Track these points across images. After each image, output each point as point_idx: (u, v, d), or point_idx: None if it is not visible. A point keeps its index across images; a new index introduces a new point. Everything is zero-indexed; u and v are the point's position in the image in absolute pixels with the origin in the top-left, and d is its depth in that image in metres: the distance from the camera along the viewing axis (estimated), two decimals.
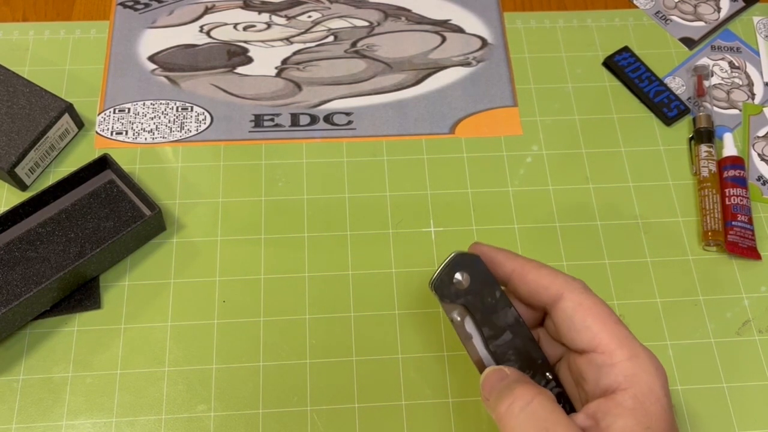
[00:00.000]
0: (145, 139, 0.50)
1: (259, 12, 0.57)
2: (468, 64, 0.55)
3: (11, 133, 0.47)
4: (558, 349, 0.35)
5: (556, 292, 0.32)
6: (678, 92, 0.54)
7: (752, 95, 0.55)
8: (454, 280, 0.34)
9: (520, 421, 0.29)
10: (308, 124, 0.52)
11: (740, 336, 0.45)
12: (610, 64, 0.55)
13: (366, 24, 0.57)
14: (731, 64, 0.56)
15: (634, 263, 0.48)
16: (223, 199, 0.49)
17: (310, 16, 0.57)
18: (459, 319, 0.34)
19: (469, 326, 0.34)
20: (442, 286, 0.34)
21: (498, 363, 0.34)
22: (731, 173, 0.50)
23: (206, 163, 0.50)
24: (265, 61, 0.54)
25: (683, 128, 0.53)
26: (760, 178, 0.51)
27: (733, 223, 0.48)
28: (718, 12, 0.59)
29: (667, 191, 0.50)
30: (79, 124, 0.50)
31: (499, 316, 0.34)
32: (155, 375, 0.43)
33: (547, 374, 0.34)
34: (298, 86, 0.53)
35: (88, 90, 0.52)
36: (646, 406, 0.29)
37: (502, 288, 0.34)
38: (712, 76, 0.56)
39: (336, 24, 0.56)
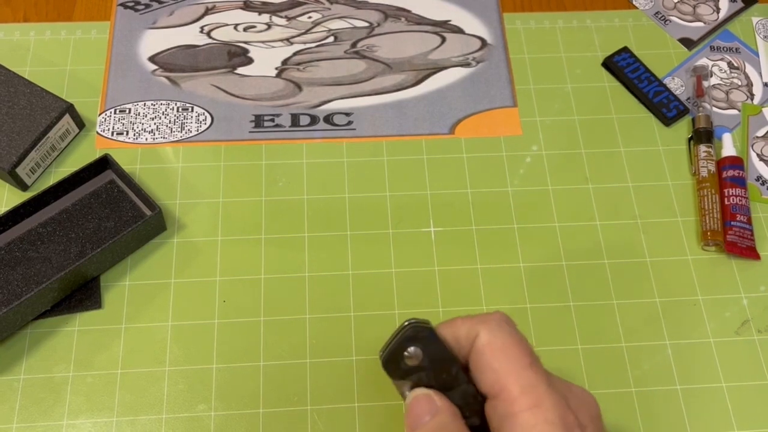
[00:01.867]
0: (146, 139, 0.51)
1: (260, 13, 0.57)
2: (468, 65, 0.55)
3: (12, 133, 0.47)
4: None
5: (474, 335, 0.29)
6: (677, 93, 0.55)
7: (751, 96, 0.55)
8: (405, 355, 0.29)
9: None
10: (308, 125, 0.52)
11: (739, 336, 0.46)
12: (609, 64, 0.55)
13: (366, 24, 0.57)
14: (730, 65, 0.56)
15: (633, 263, 0.48)
16: (224, 199, 0.49)
17: (310, 17, 0.57)
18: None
19: None
20: (391, 361, 0.30)
21: None
22: (730, 173, 0.50)
23: (207, 164, 0.50)
24: (265, 61, 0.54)
25: (682, 128, 0.53)
26: (759, 178, 0.51)
27: (732, 223, 0.48)
28: (717, 12, 0.59)
29: (667, 191, 0.51)
30: (80, 124, 0.50)
31: (453, 395, 0.30)
32: (156, 374, 0.43)
33: None
34: (299, 87, 0.53)
35: (88, 90, 0.52)
36: None
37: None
38: (711, 76, 0.56)
39: (336, 24, 0.57)
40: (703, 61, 0.56)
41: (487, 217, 0.49)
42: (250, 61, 0.54)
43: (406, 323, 0.30)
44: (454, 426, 0.28)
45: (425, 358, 0.30)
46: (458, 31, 0.57)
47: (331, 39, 0.56)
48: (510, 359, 0.28)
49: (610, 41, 0.57)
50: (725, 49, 0.57)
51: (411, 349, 0.30)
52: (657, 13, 0.59)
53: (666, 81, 0.55)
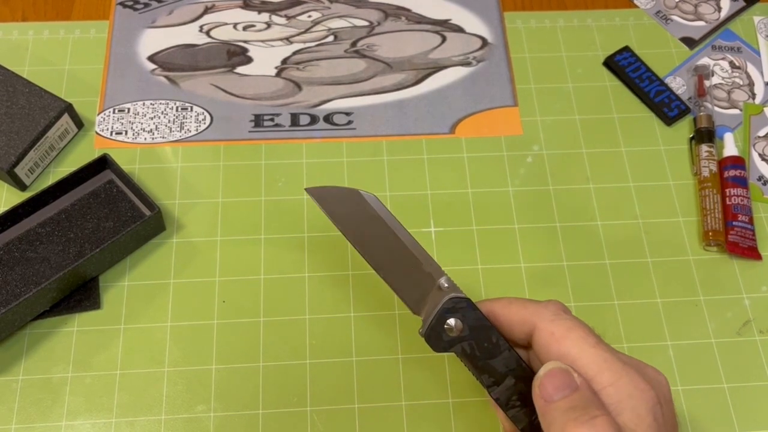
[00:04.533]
0: (145, 139, 0.50)
1: (259, 12, 0.57)
2: (468, 64, 0.55)
3: (11, 133, 0.46)
4: None
5: (530, 327, 0.31)
6: (678, 92, 0.54)
7: (753, 95, 0.55)
8: (446, 327, 0.32)
9: None
10: (308, 124, 0.52)
11: (741, 336, 0.45)
12: (610, 63, 0.55)
13: (366, 24, 0.57)
14: (732, 64, 0.56)
15: (634, 263, 0.47)
16: (223, 199, 0.48)
17: (310, 16, 0.57)
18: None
19: (468, 373, 0.32)
20: (432, 334, 0.32)
21: (504, 410, 0.32)
22: (732, 173, 0.49)
23: (206, 163, 0.50)
24: (264, 60, 0.54)
25: (684, 128, 0.53)
26: (760, 178, 0.51)
27: (734, 223, 0.48)
28: (719, 12, 0.59)
29: (668, 191, 0.50)
30: (79, 124, 0.50)
31: (498, 362, 0.31)
32: (155, 375, 0.42)
33: None
34: (298, 86, 0.53)
35: (87, 90, 0.52)
36: None
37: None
38: (713, 75, 0.55)
39: (336, 24, 0.56)
40: (704, 61, 0.56)
41: (487, 217, 0.49)
42: (249, 60, 0.54)
43: (444, 298, 0.32)
44: (597, 401, 0.28)
45: (465, 328, 0.31)
46: (459, 30, 0.57)
47: (330, 38, 0.56)
48: (576, 343, 0.29)
49: (611, 40, 0.57)
50: (727, 48, 0.57)
51: (451, 320, 0.31)
52: (658, 12, 0.59)
53: (667, 80, 0.55)
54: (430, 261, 0.34)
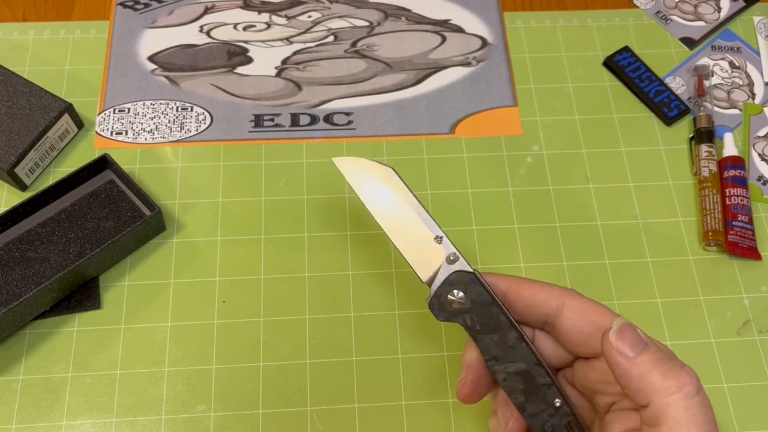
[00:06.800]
0: (145, 139, 0.50)
1: (259, 12, 0.57)
2: (468, 64, 0.55)
3: (11, 133, 0.47)
4: (559, 360, 0.34)
5: (557, 303, 0.32)
6: (678, 92, 0.54)
7: (752, 95, 0.55)
8: (449, 298, 0.33)
9: (693, 411, 0.27)
10: (308, 124, 0.52)
11: (740, 336, 0.45)
12: (610, 63, 0.55)
13: (366, 24, 0.57)
14: (731, 64, 0.56)
15: (634, 263, 0.48)
16: (223, 199, 0.48)
17: (310, 16, 0.57)
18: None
19: (471, 344, 0.34)
20: (436, 303, 0.34)
21: (501, 385, 0.33)
22: (732, 173, 0.49)
23: (206, 163, 0.50)
24: (265, 61, 0.54)
25: (683, 128, 0.53)
26: (760, 178, 0.51)
27: (734, 223, 0.48)
28: (719, 12, 0.59)
29: (668, 191, 0.50)
30: (79, 124, 0.50)
31: (499, 337, 0.33)
32: (155, 375, 0.43)
33: (556, 401, 0.32)
34: (298, 86, 0.53)
35: (88, 90, 0.52)
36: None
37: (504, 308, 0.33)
38: (713, 75, 0.55)
39: (336, 24, 0.56)
40: (704, 61, 0.56)
41: (487, 217, 0.49)
42: (249, 60, 0.54)
43: (451, 271, 0.34)
44: (669, 356, 0.30)
45: (467, 300, 0.33)
46: (458, 30, 0.57)
47: (331, 38, 0.56)
48: (608, 315, 0.32)
49: (611, 40, 0.57)
50: (726, 48, 0.57)
51: (454, 291, 0.33)
52: (658, 12, 0.59)
53: (667, 80, 0.55)
54: (443, 236, 0.36)
